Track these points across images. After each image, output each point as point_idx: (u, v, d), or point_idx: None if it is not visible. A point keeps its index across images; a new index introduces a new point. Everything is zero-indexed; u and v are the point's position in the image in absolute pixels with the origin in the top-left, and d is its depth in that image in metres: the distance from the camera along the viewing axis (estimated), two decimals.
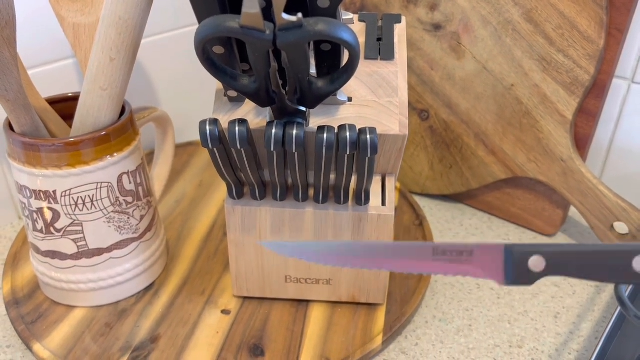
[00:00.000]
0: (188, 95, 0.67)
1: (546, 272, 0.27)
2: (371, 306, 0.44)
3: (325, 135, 0.32)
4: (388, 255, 0.27)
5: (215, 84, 0.38)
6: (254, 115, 0.37)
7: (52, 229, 0.40)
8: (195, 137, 0.69)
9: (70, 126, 0.43)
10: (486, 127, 0.54)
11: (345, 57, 0.34)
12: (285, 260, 0.42)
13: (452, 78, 0.55)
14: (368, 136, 0.32)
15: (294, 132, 0.32)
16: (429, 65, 0.56)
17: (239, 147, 0.33)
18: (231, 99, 0.37)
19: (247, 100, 0.38)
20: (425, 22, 0.55)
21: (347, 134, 0.32)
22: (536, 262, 0.27)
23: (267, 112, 0.37)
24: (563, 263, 0.27)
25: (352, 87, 0.38)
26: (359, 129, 0.32)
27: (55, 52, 0.53)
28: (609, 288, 0.48)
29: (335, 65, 0.33)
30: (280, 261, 0.42)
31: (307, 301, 0.45)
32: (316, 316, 0.43)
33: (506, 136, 0.53)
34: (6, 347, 0.42)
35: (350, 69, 0.29)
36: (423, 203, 0.59)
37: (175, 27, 0.63)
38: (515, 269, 0.27)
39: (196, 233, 0.52)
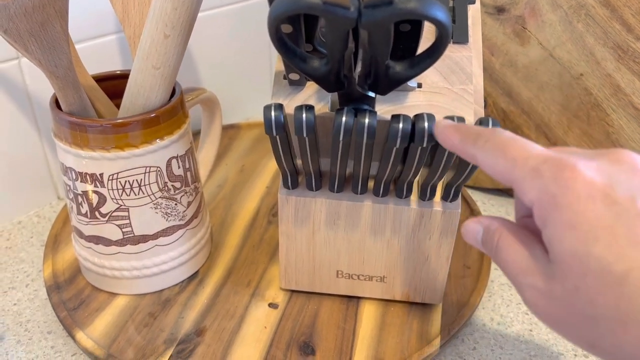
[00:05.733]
0: (228, 75, 0.65)
1: None
2: (425, 306, 0.42)
3: (400, 125, 0.29)
4: None
5: (263, 65, 0.36)
6: (315, 100, 0.35)
7: (97, 213, 0.39)
8: (236, 119, 0.67)
9: (117, 106, 0.41)
10: (549, 119, 0.51)
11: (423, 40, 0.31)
12: (338, 255, 0.40)
13: (514, 65, 0.51)
14: None
15: (366, 120, 0.29)
16: (489, 50, 0.52)
17: (304, 135, 0.30)
18: (291, 82, 0.35)
19: (308, 84, 0.35)
20: (488, 5, 0.51)
21: (425, 124, 0.29)
22: None
23: (329, 97, 0.35)
24: None
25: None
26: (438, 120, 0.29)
27: (99, 27, 0.51)
28: None
29: (411, 48, 0.30)
30: (333, 255, 0.40)
31: (358, 298, 0.43)
32: (368, 314, 0.41)
33: (571, 129, 0.50)
34: (47, 333, 0.41)
35: (435, 53, 0.26)
36: (475, 197, 0.56)
37: (217, 5, 0.60)
38: None
39: (240, 220, 0.50)
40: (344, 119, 0.29)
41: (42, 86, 0.49)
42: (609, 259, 0.21)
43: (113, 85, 0.42)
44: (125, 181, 0.37)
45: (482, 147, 0.25)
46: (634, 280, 0.20)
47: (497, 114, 0.54)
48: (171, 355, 0.37)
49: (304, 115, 0.30)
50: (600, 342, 0.22)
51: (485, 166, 0.25)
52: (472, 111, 0.34)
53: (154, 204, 0.39)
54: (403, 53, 0.30)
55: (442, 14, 0.23)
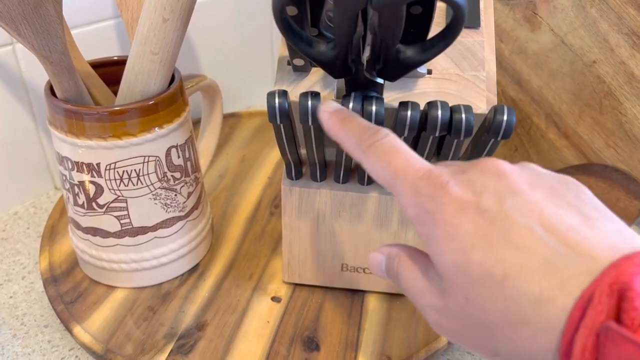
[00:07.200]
0: (229, 62, 0.63)
1: None
2: None
3: (409, 113, 0.28)
4: None
5: (265, 52, 0.34)
6: (321, 87, 0.33)
7: (94, 204, 0.37)
8: (237, 108, 0.66)
9: (115, 93, 0.39)
10: (560, 108, 0.49)
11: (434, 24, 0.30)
12: (343, 248, 0.39)
13: (524, 52, 0.50)
14: (463, 115, 0.27)
15: (374, 107, 0.28)
16: (498, 37, 0.51)
17: (310, 123, 0.29)
18: (296, 68, 0.33)
19: (313, 70, 0.34)
20: None
21: (439, 112, 0.28)
22: None
23: (335, 84, 0.33)
24: None
25: None
26: (452, 107, 0.28)
27: (95, 12, 0.49)
28: None
29: (422, 32, 0.28)
30: (338, 248, 0.39)
31: (363, 292, 0.41)
32: (373, 309, 0.40)
33: (582, 118, 0.48)
34: (44, 327, 0.40)
35: (449, 36, 0.25)
36: None
37: None
38: None
39: (241, 211, 0.49)
40: (351, 105, 0.28)
41: (38, 73, 0.47)
42: (488, 263, 0.21)
43: (110, 71, 0.40)
44: (123, 171, 0.36)
45: (365, 152, 0.25)
46: (513, 281, 0.20)
47: (505, 102, 0.52)
48: (171, 351, 0.36)
49: (309, 102, 0.28)
50: (501, 349, 0.21)
51: (369, 171, 0.25)
52: (484, 98, 0.32)
53: (153, 195, 0.38)
54: (413, 37, 0.29)
55: None
